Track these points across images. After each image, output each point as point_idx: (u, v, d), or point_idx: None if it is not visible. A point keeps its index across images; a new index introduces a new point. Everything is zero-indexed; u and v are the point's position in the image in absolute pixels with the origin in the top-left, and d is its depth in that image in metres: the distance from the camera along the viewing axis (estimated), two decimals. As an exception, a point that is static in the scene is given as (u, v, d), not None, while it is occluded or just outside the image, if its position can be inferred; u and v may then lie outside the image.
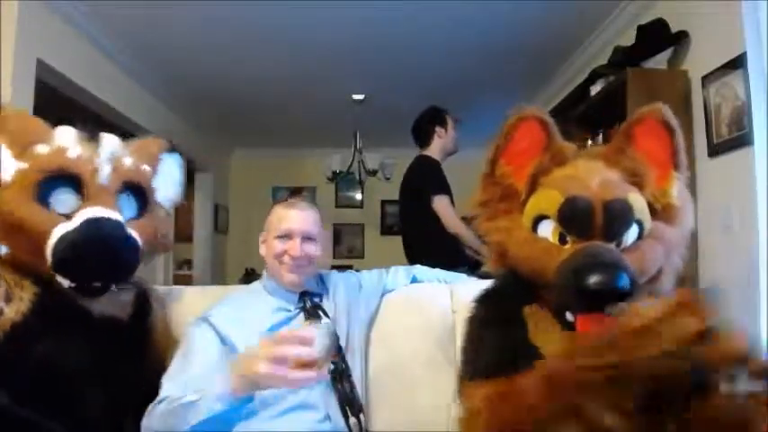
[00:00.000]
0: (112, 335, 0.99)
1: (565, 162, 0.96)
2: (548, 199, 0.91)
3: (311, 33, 3.20)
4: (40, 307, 0.91)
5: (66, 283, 0.93)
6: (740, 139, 1.93)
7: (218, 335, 1.12)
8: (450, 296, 1.40)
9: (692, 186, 2.18)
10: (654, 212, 0.93)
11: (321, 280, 1.35)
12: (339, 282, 1.36)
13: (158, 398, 0.98)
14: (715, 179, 2.09)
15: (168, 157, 1.20)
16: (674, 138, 0.98)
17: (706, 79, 2.12)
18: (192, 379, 1.01)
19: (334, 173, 4.61)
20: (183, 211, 5.17)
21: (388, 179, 4.67)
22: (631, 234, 0.90)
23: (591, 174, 0.93)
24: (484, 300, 1.03)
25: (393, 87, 4.17)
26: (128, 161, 1.05)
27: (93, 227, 0.91)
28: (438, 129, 2.74)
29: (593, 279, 0.78)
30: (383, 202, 6.10)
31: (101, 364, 0.95)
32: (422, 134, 2.79)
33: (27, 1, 2.47)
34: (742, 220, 1.92)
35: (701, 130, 2.15)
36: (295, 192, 1.32)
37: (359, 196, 6.05)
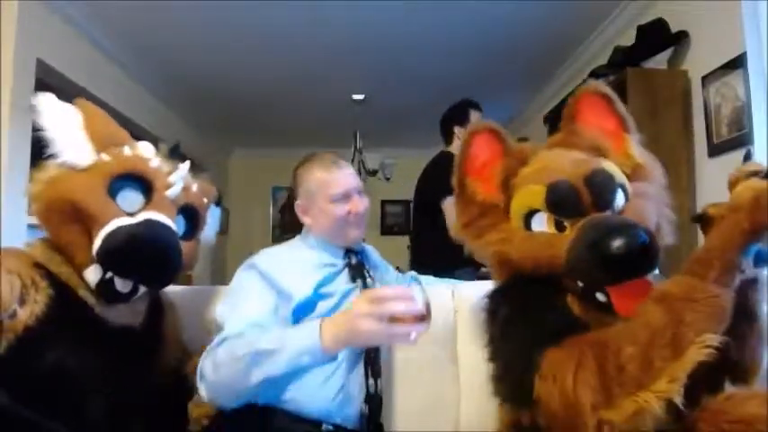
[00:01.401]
0: (125, 342, 0.99)
1: (527, 160, 0.98)
2: (530, 194, 0.92)
3: (311, 33, 3.20)
4: (54, 311, 0.90)
5: (95, 278, 0.92)
6: (740, 139, 1.93)
7: (269, 281, 1.11)
8: (452, 296, 1.40)
9: (691, 186, 2.20)
10: (627, 176, 0.95)
11: (362, 247, 1.35)
12: (371, 252, 1.39)
13: (220, 336, 0.99)
14: (715, 179, 2.09)
15: (214, 207, 1.27)
16: (614, 105, 1.02)
17: (706, 79, 2.12)
18: (250, 318, 1.02)
19: (335, 173, 4.60)
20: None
21: (388, 179, 4.67)
22: (619, 199, 0.91)
23: (558, 159, 0.95)
24: (496, 296, 1.00)
25: (393, 87, 4.17)
26: (195, 187, 1.12)
27: (153, 227, 0.93)
28: (457, 129, 2.60)
29: (614, 244, 0.76)
30: (383, 202, 6.11)
31: (111, 371, 0.94)
32: (444, 131, 2.68)
33: (27, 1, 2.47)
34: (742, 220, 1.92)
35: (701, 130, 2.15)
36: (298, 167, 1.33)
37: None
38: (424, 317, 0.85)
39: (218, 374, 0.95)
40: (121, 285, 0.94)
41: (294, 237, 1.33)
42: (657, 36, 2.34)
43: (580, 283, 0.86)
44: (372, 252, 1.40)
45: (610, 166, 0.93)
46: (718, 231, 0.77)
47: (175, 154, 1.09)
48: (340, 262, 1.23)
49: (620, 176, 0.93)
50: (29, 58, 2.52)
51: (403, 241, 6.04)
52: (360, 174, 4.69)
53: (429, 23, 3.08)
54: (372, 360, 1.14)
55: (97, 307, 0.95)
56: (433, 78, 3.94)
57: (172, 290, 1.38)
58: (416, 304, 0.85)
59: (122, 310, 0.99)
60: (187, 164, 1.09)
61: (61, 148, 0.95)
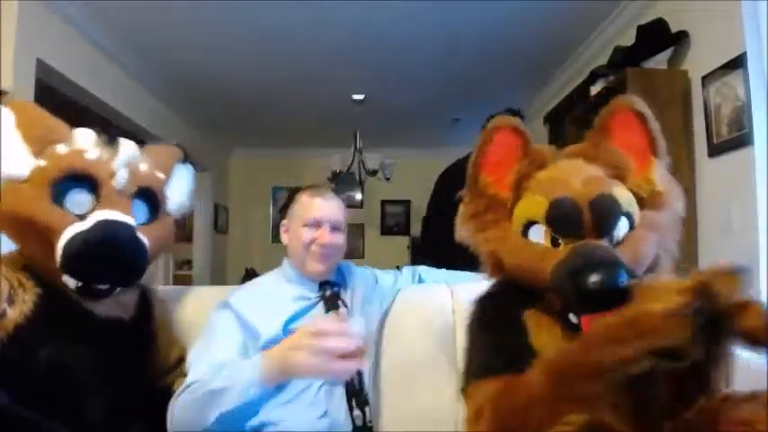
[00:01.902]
0: (116, 336, 0.99)
1: (545, 165, 0.97)
2: (534, 204, 0.92)
3: (311, 33, 3.20)
4: (44, 308, 0.90)
5: (72, 283, 0.92)
6: (740, 139, 1.93)
7: (240, 320, 1.13)
8: (451, 296, 1.40)
9: (691, 186, 2.20)
10: (641, 201, 0.93)
11: (339, 270, 1.35)
12: (357, 274, 1.37)
13: (185, 383, 0.99)
14: (715, 179, 2.09)
15: (182, 167, 1.21)
16: (649, 125, 0.99)
17: (706, 79, 2.12)
18: (216, 363, 1.02)
19: (334, 173, 4.61)
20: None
21: (388, 179, 4.67)
22: (622, 227, 0.90)
23: (573, 173, 0.93)
24: (482, 301, 1.03)
25: (393, 87, 4.17)
26: (143, 167, 1.06)
27: (106, 228, 0.91)
28: None
29: (591, 279, 0.77)
30: (383, 202, 6.11)
31: (104, 365, 0.94)
32: None
33: (27, 1, 2.47)
34: (742, 220, 1.92)
35: (701, 130, 2.15)
36: (295, 191, 1.33)
37: (359, 196, 6.05)
38: (357, 353, 0.86)
39: (181, 418, 0.96)
40: (100, 285, 0.94)
41: None
42: (657, 36, 2.34)
43: (557, 301, 0.88)
44: (362, 274, 1.39)
45: (620, 191, 0.91)
46: (609, 322, 0.72)
47: (113, 138, 1.03)
48: (314, 295, 1.23)
49: (627, 204, 0.90)
50: (29, 58, 2.52)
51: (403, 241, 6.06)
52: (360, 174, 4.70)
53: (429, 23, 3.08)
54: (357, 392, 1.13)
55: (85, 302, 0.96)
56: (433, 78, 3.94)
57: (172, 290, 1.38)
58: (352, 341, 0.85)
59: (110, 305, 0.99)
60: (127, 144, 1.03)
61: None
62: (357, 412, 1.11)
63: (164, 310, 1.19)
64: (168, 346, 1.15)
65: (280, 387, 1.08)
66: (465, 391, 0.94)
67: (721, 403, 0.76)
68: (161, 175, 1.12)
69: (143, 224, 1.03)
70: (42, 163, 0.93)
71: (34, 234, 0.92)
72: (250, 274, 5.36)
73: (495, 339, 0.93)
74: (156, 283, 3.28)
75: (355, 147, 4.55)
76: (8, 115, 0.94)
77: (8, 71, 2.35)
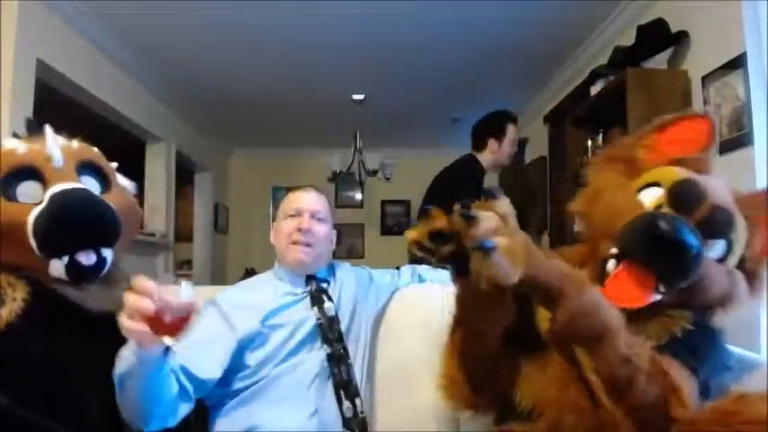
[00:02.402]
0: (108, 330, 0.99)
1: (700, 168, 0.96)
2: (668, 172, 0.92)
3: (311, 33, 3.20)
4: (35, 306, 0.90)
5: (59, 267, 0.92)
6: (740, 139, 1.93)
7: (222, 315, 1.15)
8: (444, 296, 1.40)
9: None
10: (741, 263, 0.92)
11: (332, 268, 1.37)
12: (350, 271, 1.39)
13: None
14: (715, 179, 2.09)
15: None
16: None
17: (706, 79, 2.12)
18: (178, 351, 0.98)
19: (334, 173, 4.61)
20: (183, 211, 5.18)
21: (388, 179, 4.67)
22: (718, 248, 0.88)
23: (715, 183, 0.93)
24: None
25: (393, 87, 4.17)
26: (75, 144, 1.07)
27: (61, 197, 0.92)
28: (491, 141, 2.56)
29: (664, 225, 0.78)
30: (383, 202, 6.11)
31: (98, 360, 0.94)
32: (477, 139, 2.63)
33: (27, 1, 2.47)
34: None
35: (701, 130, 2.15)
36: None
37: (359, 196, 6.05)
38: (157, 319, 0.76)
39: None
40: (85, 258, 0.94)
41: None
42: (657, 36, 2.34)
43: (614, 250, 0.86)
44: (355, 272, 1.40)
45: (740, 222, 0.90)
46: None
47: (32, 128, 1.04)
48: (300, 291, 1.25)
49: (737, 234, 0.90)
50: (29, 58, 2.52)
51: (403, 241, 6.03)
52: (360, 174, 4.70)
53: (429, 23, 3.08)
54: (345, 383, 1.14)
55: (75, 297, 0.96)
56: (433, 78, 3.94)
57: (172, 289, 1.38)
58: (154, 303, 0.76)
59: (101, 298, 0.99)
60: (48, 129, 1.03)
61: None
62: (347, 404, 1.12)
63: None
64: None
65: (266, 386, 1.09)
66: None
67: (735, 402, 0.76)
68: (96, 149, 1.11)
69: (99, 194, 1.02)
70: None
71: (6, 238, 0.92)
72: (250, 274, 5.31)
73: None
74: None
75: (355, 147, 4.55)
76: None
77: (8, 71, 2.35)
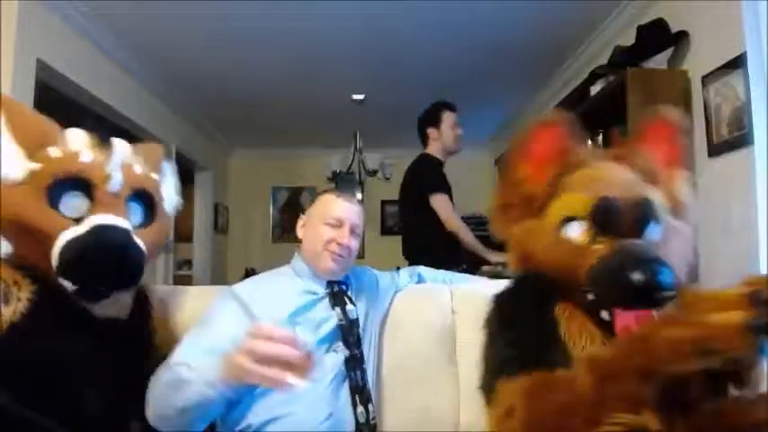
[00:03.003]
0: (112, 335, 0.99)
1: (583, 165, 0.98)
2: (576, 201, 0.93)
3: (311, 33, 3.20)
4: (39, 307, 0.90)
5: (69, 286, 0.92)
6: (740, 139, 1.93)
7: (244, 307, 1.12)
8: (450, 296, 1.40)
9: (691, 186, 2.19)
10: (668, 211, 0.96)
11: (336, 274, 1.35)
12: (360, 273, 1.38)
13: (171, 360, 0.99)
14: (715, 179, 2.09)
15: (167, 163, 1.21)
16: (678, 139, 1.04)
17: (706, 79, 2.12)
18: (206, 347, 1.01)
19: (334, 173, 4.61)
20: (182, 211, 5.16)
21: (388, 179, 4.66)
22: (654, 233, 0.92)
23: (612, 174, 0.95)
24: (502, 299, 1.03)
25: (393, 87, 4.17)
26: (138, 169, 1.05)
27: (102, 234, 0.91)
28: (430, 130, 2.67)
29: (637, 276, 0.79)
30: (383, 202, 6.10)
31: (100, 364, 0.94)
32: (421, 135, 2.75)
33: (27, 1, 2.47)
34: (742, 221, 1.92)
35: (701, 130, 2.15)
36: (297, 191, 1.34)
37: (359, 196, 6.04)
38: (296, 366, 0.79)
39: (154, 396, 0.96)
40: (95, 290, 0.94)
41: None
42: (657, 36, 2.34)
43: (591, 297, 0.88)
44: (366, 274, 1.39)
45: (656, 196, 0.94)
46: (658, 338, 0.71)
47: (105, 137, 1.03)
48: (321, 290, 1.23)
49: (661, 209, 0.93)
50: (29, 58, 2.52)
51: (403, 241, 6.05)
52: (360, 174, 4.70)
53: (429, 23, 3.08)
54: (360, 389, 1.14)
55: (80, 300, 0.96)
56: (432, 78, 3.94)
57: (171, 290, 1.38)
58: (288, 350, 0.79)
59: (107, 304, 0.99)
60: (120, 144, 1.03)
61: None
62: (360, 409, 1.12)
63: (163, 310, 1.19)
64: (166, 346, 1.14)
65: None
66: (486, 389, 0.94)
67: (732, 405, 0.76)
68: (155, 176, 1.11)
69: (139, 226, 1.03)
70: (36, 166, 0.92)
71: (29, 236, 0.91)
72: (250, 274, 5.33)
73: (520, 335, 0.93)
74: (157, 283, 3.25)
75: (355, 147, 4.55)
76: None
77: (8, 71, 2.35)
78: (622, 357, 0.74)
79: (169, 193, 1.18)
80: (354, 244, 1.26)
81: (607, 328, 0.85)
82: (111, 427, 0.93)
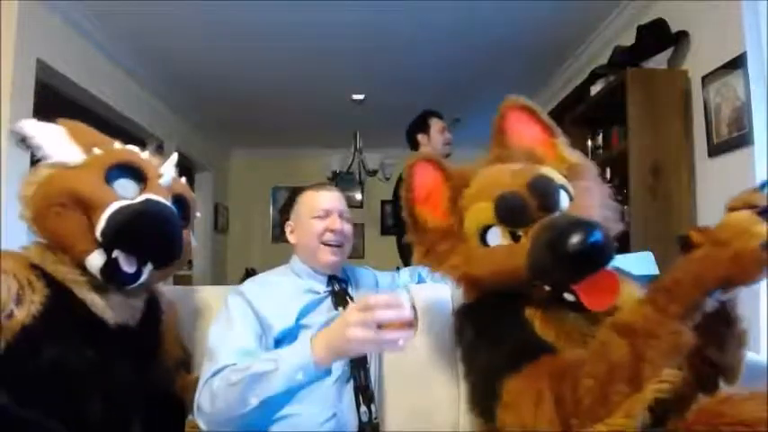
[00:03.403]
0: (122, 341, 0.99)
1: (469, 181, 1.00)
2: (480, 211, 0.94)
3: (311, 33, 3.20)
4: (51, 310, 0.90)
5: (98, 262, 0.92)
6: (740, 139, 1.93)
7: (253, 310, 1.14)
8: (450, 296, 1.40)
9: (692, 186, 2.20)
10: (566, 179, 0.97)
11: (343, 270, 1.36)
12: (360, 274, 1.39)
13: (214, 367, 1.00)
14: (715, 179, 2.09)
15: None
16: (538, 114, 1.07)
17: (706, 79, 2.12)
18: (240, 349, 1.04)
19: (334, 173, 4.61)
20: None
21: (388, 179, 4.66)
22: (563, 200, 0.92)
23: (499, 173, 0.97)
24: (476, 309, 1.02)
25: (393, 87, 4.17)
26: (183, 180, 1.15)
27: (152, 205, 0.95)
28: (420, 136, 2.73)
29: (571, 241, 0.78)
30: (383, 203, 6.11)
31: (108, 369, 0.94)
32: (409, 142, 2.82)
33: (27, 1, 2.47)
34: (742, 220, 1.91)
35: (701, 130, 2.15)
36: (297, 191, 1.35)
37: (359, 196, 6.05)
38: (411, 323, 0.88)
39: (214, 405, 0.97)
40: (127, 265, 0.94)
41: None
42: (657, 36, 2.34)
43: (547, 288, 0.88)
44: (364, 274, 1.40)
45: (548, 170, 0.95)
46: (691, 264, 0.74)
47: (160, 150, 1.13)
48: (323, 289, 1.24)
49: (559, 178, 0.95)
50: (29, 58, 2.52)
51: (403, 241, 6.05)
52: (360, 174, 4.70)
53: (429, 23, 3.08)
54: (364, 387, 1.14)
55: (93, 305, 0.95)
56: (432, 78, 3.94)
57: (172, 290, 1.38)
58: (404, 311, 0.87)
59: (119, 308, 0.99)
60: (175, 155, 1.13)
61: (51, 152, 0.96)
62: (363, 408, 1.12)
63: (173, 313, 1.19)
64: (172, 348, 1.15)
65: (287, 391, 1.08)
66: (482, 400, 0.91)
67: (721, 404, 0.76)
68: (192, 193, 1.18)
69: None
70: (98, 151, 0.99)
71: (78, 210, 0.93)
72: (250, 274, 5.34)
73: (503, 336, 0.91)
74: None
75: (355, 147, 4.55)
76: (58, 127, 1.00)
77: (8, 71, 2.36)
78: (650, 310, 0.74)
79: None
80: (347, 228, 1.27)
81: (578, 309, 0.84)
82: (115, 430, 0.93)
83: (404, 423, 1.25)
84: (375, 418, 1.13)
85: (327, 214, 1.26)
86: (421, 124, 2.76)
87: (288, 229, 1.33)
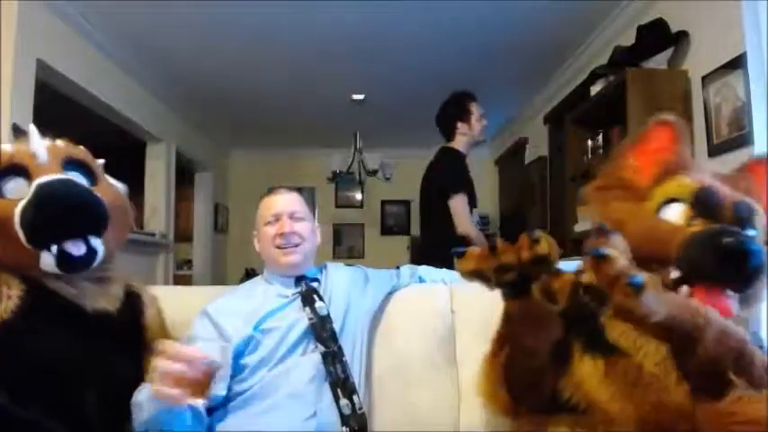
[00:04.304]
0: (104, 329, 1.00)
1: (688, 169, 1.00)
2: (682, 185, 0.95)
3: (311, 33, 3.20)
4: (29, 303, 0.91)
5: (49, 261, 0.93)
6: (740, 139, 1.93)
7: (215, 326, 1.15)
8: (450, 296, 1.40)
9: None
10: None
11: (324, 268, 1.37)
12: (342, 270, 1.39)
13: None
14: (715, 179, 2.09)
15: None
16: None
17: (706, 79, 2.12)
18: None
19: (334, 173, 4.61)
20: (183, 211, 5.18)
21: (387, 179, 4.67)
22: (753, 230, 0.92)
23: (718, 179, 0.98)
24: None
25: (393, 87, 4.17)
26: (61, 143, 1.09)
27: (46, 186, 0.93)
28: (460, 125, 2.54)
29: (728, 239, 0.81)
30: (383, 202, 6.11)
31: (94, 359, 0.95)
32: (445, 128, 2.61)
33: (27, 1, 2.47)
34: (742, 220, 1.92)
35: (701, 130, 2.15)
36: (297, 191, 1.35)
37: (359, 196, 6.05)
38: (197, 382, 0.80)
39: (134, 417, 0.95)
40: (74, 248, 0.94)
41: None
42: (657, 36, 2.34)
43: (676, 274, 0.89)
44: (348, 272, 1.39)
45: (760, 211, 0.95)
46: None
47: (18, 132, 1.07)
48: (291, 292, 1.25)
49: (760, 224, 0.94)
50: (29, 58, 2.52)
51: (403, 241, 6.06)
52: (360, 174, 4.70)
53: (429, 23, 3.08)
54: (341, 381, 1.14)
55: (70, 294, 0.96)
56: (432, 78, 3.94)
57: (172, 290, 1.38)
58: (190, 369, 0.80)
59: (96, 296, 0.99)
60: (32, 128, 1.06)
61: None
62: (344, 401, 1.11)
63: (155, 307, 1.19)
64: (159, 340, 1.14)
65: (261, 391, 1.09)
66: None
67: (732, 404, 0.76)
68: (82, 147, 1.12)
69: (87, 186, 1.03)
70: None
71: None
72: (250, 274, 5.36)
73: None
74: (157, 283, 3.27)
75: (355, 147, 4.55)
76: None
77: (8, 71, 2.36)
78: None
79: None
80: (300, 227, 1.27)
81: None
82: (106, 422, 0.93)
83: (403, 424, 1.25)
84: (360, 409, 1.12)
85: (277, 218, 1.27)
86: (460, 111, 2.56)
87: (255, 240, 1.35)
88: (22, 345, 0.88)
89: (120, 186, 1.16)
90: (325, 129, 5.22)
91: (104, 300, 1.01)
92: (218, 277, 5.59)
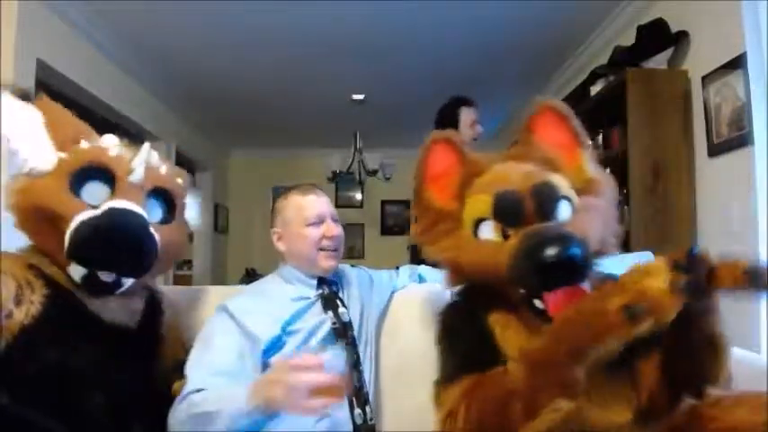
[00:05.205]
0: (121, 342, 0.99)
1: (482, 171, 1.02)
2: (479, 203, 0.96)
3: (311, 33, 3.20)
4: (50, 310, 0.90)
5: (78, 273, 0.92)
6: (740, 139, 1.93)
7: (237, 324, 1.12)
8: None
9: (691, 186, 2.20)
10: (577, 191, 0.98)
11: (340, 271, 1.36)
12: (352, 273, 1.38)
13: (185, 390, 0.99)
14: (715, 179, 2.09)
15: (191, 191, 1.24)
16: (569, 121, 1.06)
17: (706, 79, 2.12)
18: (215, 369, 1.02)
19: (334, 173, 4.61)
20: (183, 211, 5.17)
21: (388, 179, 4.67)
22: (564, 211, 0.93)
23: (509, 171, 0.99)
24: (446, 311, 1.06)
25: (393, 87, 4.17)
26: (164, 169, 1.09)
27: (115, 215, 0.92)
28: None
29: (547, 253, 0.80)
30: (383, 202, 6.11)
31: (108, 370, 0.94)
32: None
33: (27, 1, 2.47)
34: (742, 220, 1.92)
35: (701, 130, 2.15)
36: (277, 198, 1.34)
37: (359, 196, 6.05)
38: (332, 390, 0.84)
39: (180, 430, 0.95)
40: (105, 276, 0.94)
41: None
42: (657, 36, 2.34)
43: (522, 291, 0.90)
44: (357, 275, 1.39)
45: (557, 179, 0.96)
46: (589, 312, 0.73)
47: (137, 143, 1.05)
48: (312, 293, 1.23)
49: (566, 189, 0.95)
50: (29, 58, 2.52)
51: (403, 241, 6.05)
52: (360, 174, 4.70)
53: (429, 23, 3.08)
54: (357, 390, 1.13)
55: (92, 305, 0.95)
56: (432, 78, 3.94)
57: (172, 290, 1.38)
58: (327, 375, 0.84)
59: (117, 309, 0.99)
60: (147, 145, 1.06)
61: (26, 155, 0.94)
62: (358, 411, 1.11)
63: (174, 314, 1.18)
64: (173, 349, 1.14)
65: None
66: (437, 399, 0.95)
67: (712, 407, 0.76)
68: (180, 181, 1.14)
69: (157, 222, 1.03)
70: (64, 155, 0.97)
71: (47, 224, 0.92)
72: (250, 274, 5.36)
73: (460, 345, 0.96)
74: (156, 284, 3.24)
75: (355, 147, 4.55)
76: (37, 113, 0.98)
77: (8, 71, 2.35)
78: (551, 343, 0.75)
79: (191, 213, 1.20)
80: (340, 231, 1.28)
81: (545, 318, 0.86)
82: (116, 430, 0.93)
83: (404, 424, 1.25)
84: (371, 420, 1.13)
85: (321, 220, 1.25)
86: (450, 117, 2.58)
87: (275, 237, 1.30)
88: (38, 352, 0.87)
89: (194, 219, 1.18)
90: (325, 129, 5.22)
91: (125, 314, 1.01)
92: (218, 277, 5.59)
